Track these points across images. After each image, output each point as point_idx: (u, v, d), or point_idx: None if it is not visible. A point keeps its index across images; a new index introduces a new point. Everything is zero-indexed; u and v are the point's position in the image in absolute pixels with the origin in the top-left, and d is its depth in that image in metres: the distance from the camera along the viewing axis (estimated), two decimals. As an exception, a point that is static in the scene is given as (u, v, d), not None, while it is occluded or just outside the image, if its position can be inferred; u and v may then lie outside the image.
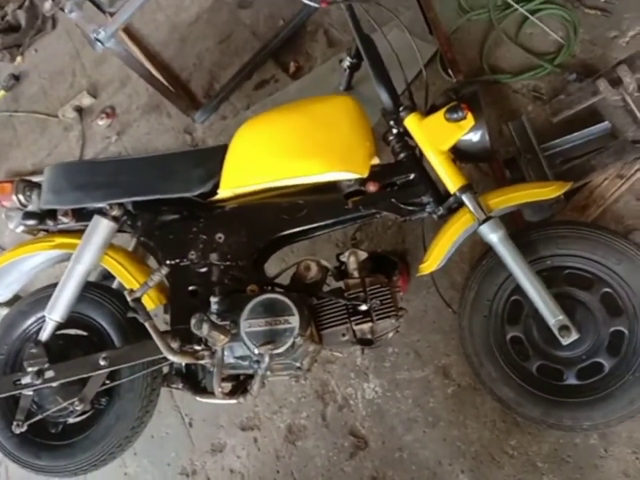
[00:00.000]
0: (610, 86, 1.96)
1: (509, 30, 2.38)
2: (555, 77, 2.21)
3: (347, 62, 2.31)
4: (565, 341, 1.59)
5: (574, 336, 1.58)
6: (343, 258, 1.80)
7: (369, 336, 1.70)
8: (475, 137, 1.63)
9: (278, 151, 1.70)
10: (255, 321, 1.57)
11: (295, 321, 1.56)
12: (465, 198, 1.61)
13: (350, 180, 1.73)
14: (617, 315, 1.66)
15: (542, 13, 2.32)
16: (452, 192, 1.63)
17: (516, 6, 2.33)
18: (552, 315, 1.58)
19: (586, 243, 1.64)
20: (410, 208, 1.70)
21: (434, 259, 1.68)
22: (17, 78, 3.94)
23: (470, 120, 1.58)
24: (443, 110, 1.58)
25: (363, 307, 1.68)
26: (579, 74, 2.12)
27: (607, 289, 1.66)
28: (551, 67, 2.21)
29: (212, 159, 1.81)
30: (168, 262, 1.79)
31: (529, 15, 2.32)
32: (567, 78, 2.15)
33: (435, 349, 2.05)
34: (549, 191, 1.64)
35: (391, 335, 1.74)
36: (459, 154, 1.67)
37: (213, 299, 1.65)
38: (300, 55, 2.89)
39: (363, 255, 1.79)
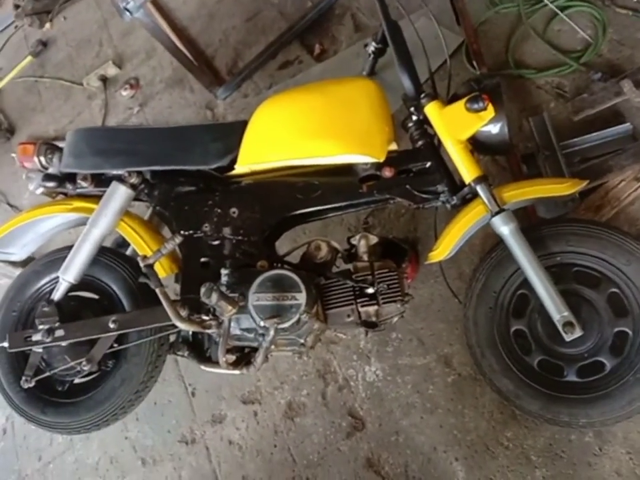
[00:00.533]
0: (634, 87, 1.95)
1: (537, 25, 2.37)
2: (580, 75, 2.20)
3: (371, 47, 2.31)
4: (568, 338, 1.60)
5: (577, 333, 1.59)
6: (354, 241, 1.82)
7: (374, 319, 1.72)
8: (494, 128, 1.62)
9: (296, 130, 1.72)
10: (262, 295, 1.60)
11: (301, 297, 1.58)
12: (479, 189, 1.61)
13: (366, 164, 1.74)
14: (623, 316, 1.66)
15: (571, 10, 2.31)
16: (467, 182, 1.63)
17: (546, 1, 2.31)
18: (557, 311, 1.59)
19: (596, 242, 1.64)
20: (424, 196, 1.71)
21: (444, 248, 1.69)
22: (44, 44, 3.98)
23: (490, 111, 1.57)
24: (464, 99, 1.58)
25: (370, 290, 1.69)
26: (604, 73, 2.11)
27: (614, 289, 1.66)
28: (576, 65, 2.20)
29: (231, 134, 1.83)
30: (182, 232, 1.82)
31: (558, 12, 2.30)
32: (592, 77, 2.14)
33: (439, 338, 2.07)
34: (564, 188, 1.64)
35: (395, 319, 1.76)
36: (477, 145, 1.67)
37: (224, 271, 1.68)
38: (326, 37, 2.89)
39: (374, 239, 1.81)
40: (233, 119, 2.93)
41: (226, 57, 3.18)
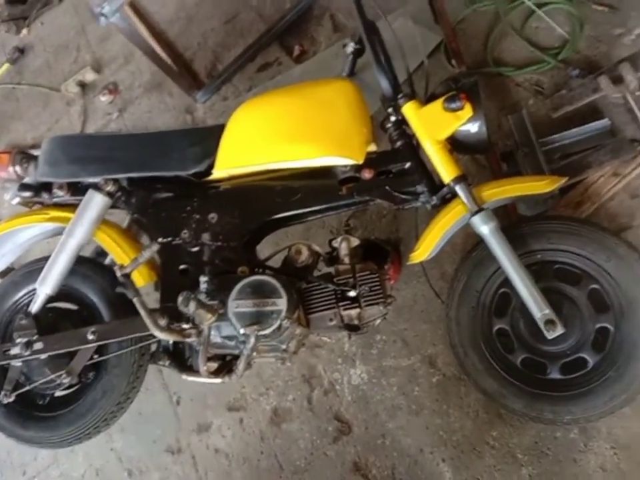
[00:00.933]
0: (611, 83, 1.95)
1: (515, 22, 2.36)
2: (558, 71, 2.20)
3: (350, 47, 2.28)
4: (550, 335, 1.59)
5: (559, 330, 1.59)
6: (335, 244, 1.80)
7: (356, 322, 1.71)
8: (472, 127, 1.61)
9: (274, 133, 1.70)
10: (242, 302, 1.58)
11: (282, 303, 1.56)
12: (458, 188, 1.60)
13: (345, 166, 1.72)
14: (604, 312, 1.66)
15: (549, 7, 2.30)
16: (446, 182, 1.62)
17: (523, -2, 2.32)
18: (538, 309, 1.59)
19: (576, 239, 1.64)
20: (404, 196, 1.70)
21: (425, 248, 1.68)
22: (21, 51, 3.92)
23: (468, 110, 1.56)
24: (442, 99, 1.57)
25: (352, 293, 1.68)
26: (582, 70, 2.11)
27: (595, 286, 1.66)
28: (554, 61, 2.20)
29: (208, 139, 1.80)
30: (160, 240, 1.79)
31: (535, 9, 2.30)
32: (570, 73, 2.14)
33: (422, 338, 2.06)
34: (543, 185, 1.63)
35: (378, 321, 1.75)
36: (455, 145, 1.66)
37: (202, 279, 1.65)
38: (305, 38, 2.87)
39: (355, 241, 1.80)
40: (212, 122, 2.91)
41: (205, 60, 3.14)
